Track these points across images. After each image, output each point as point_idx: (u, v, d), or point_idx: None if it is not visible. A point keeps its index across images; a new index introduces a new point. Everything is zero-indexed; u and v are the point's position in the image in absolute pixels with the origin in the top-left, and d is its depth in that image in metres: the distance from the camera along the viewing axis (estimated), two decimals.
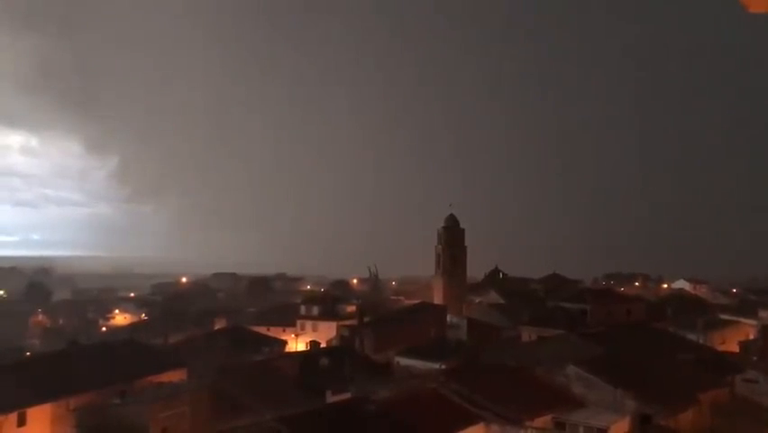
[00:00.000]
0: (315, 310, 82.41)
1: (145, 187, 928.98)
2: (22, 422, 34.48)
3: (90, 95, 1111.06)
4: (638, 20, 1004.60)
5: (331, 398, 38.71)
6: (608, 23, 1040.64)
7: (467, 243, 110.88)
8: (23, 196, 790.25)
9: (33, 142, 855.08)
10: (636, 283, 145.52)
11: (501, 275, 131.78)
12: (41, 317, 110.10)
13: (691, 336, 60.78)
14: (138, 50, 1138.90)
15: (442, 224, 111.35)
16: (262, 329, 74.66)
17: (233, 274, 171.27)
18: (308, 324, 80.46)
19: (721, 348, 59.68)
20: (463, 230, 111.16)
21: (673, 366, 42.72)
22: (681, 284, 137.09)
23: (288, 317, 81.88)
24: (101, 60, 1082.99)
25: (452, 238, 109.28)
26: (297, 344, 76.02)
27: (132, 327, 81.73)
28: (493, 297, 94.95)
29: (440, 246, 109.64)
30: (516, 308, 77.95)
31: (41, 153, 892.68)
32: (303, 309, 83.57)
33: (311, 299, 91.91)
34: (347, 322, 75.67)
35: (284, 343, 71.18)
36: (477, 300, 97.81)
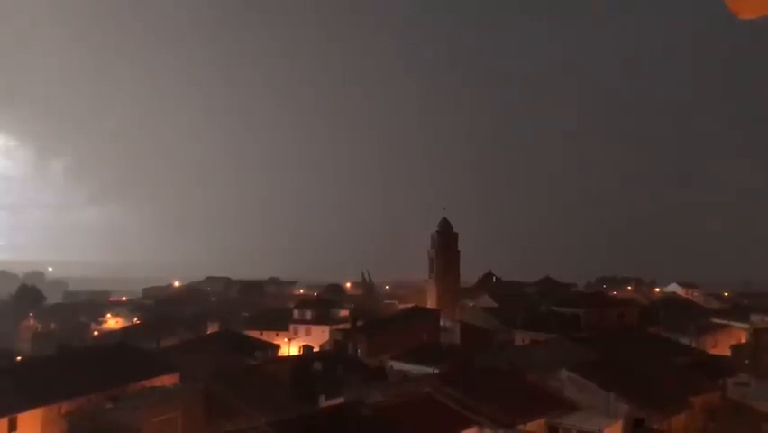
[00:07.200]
0: (309, 315, 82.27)
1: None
2: (12, 427, 34.20)
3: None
4: (631, 26, 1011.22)
5: (324, 402, 38.65)
6: (603, 29, 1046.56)
7: (460, 247, 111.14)
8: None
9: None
10: (629, 287, 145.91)
11: (494, 279, 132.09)
12: (32, 321, 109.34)
13: (684, 340, 61.10)
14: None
15: (435, 228, 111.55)
16: (255, 333, 74.42)
17: (226, 278, 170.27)
18: (301, 328, 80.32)
19: (713, 352, 59.97)
20: (457, 234, 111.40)
21: (666, 370, 42.85)
22: (673, 288, 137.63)
23: (282, 322, 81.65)
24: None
25: (446, 242, 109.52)
26: (290, 348, 75.77)
27: (124, 332, 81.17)
28: (486, 301, 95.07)
29: (433, 250, 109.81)
30: (510, 311, 78.05)
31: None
32: (296, 314, 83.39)
33: (304, 303, 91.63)
34: (340, 326, 75.62)
35: (277, 347, 70.97)
36: (470, 304, 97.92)
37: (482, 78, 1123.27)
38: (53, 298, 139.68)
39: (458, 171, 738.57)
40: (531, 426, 33.60)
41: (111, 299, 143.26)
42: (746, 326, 72.91)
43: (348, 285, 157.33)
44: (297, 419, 30.30)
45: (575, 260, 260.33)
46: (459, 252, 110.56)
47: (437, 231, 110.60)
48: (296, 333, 79.47)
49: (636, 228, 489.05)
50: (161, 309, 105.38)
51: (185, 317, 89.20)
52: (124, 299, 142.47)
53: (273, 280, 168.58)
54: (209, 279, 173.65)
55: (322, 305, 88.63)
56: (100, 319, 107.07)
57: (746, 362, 53.37)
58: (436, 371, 46.02)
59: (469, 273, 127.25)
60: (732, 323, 75.20)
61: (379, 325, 74.79)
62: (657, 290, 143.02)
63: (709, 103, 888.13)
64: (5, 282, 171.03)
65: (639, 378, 39.20)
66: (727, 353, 59.32)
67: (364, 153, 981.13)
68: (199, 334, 76.18)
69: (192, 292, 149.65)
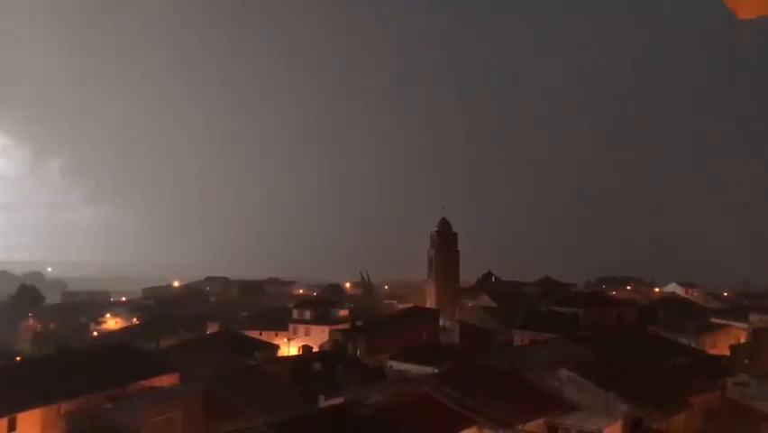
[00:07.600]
0: (308, 315, 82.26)
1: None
2: (12, 427, 34.24)
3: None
4: (632, 26, 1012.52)
5: (324, 402, 38.62)
6: (604, 29, 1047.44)
7: (459, 247, 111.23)
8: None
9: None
10: (629, 287, 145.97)
11: (494, 279, 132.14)
12: (31, 321, 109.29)
13: (683, 340, 61.16)
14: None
15: (435, 228, 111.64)
16: (255, 334, 74.44)
17: (226, 278, 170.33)
18: (301, 328, 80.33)
19: (712, 352, 60.03)
20: (456, 234, 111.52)
21: (665, 370, 42.91)
22: (672, 288, 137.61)
23: (281, 322, 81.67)
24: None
25: (445, 242, 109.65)
26: (289, 348, 75.85)
27: (124, 332, 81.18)
28: (486, 300, 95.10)
29: (433, 250, 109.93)
30: (509, 311, 78.13)
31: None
32: (295, 314, 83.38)
33: (304, 303, 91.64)
34: (340, 326, 75.60)
35: (277, 347, 71.04)
36: (470, 304, 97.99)
37: (482, 78, 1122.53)
38: (52, 298, 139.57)
39: (458, 171, 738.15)
40: (530, 426, 33.64)
41: (110, 300, 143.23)
42: (746, 325, 73.03)
43: (347, 285, 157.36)
44: (297, 419, 30.31)
45: (575, 260, 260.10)
46: (458, 251, 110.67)
47: (437, 231, 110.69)
48: (295, 333, 79.50)
49: (636, 228, 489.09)
50: (161, 310, 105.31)
51: (184, 318, 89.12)
52: (124, 299, 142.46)
53: (272, 281, 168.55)
54: (208, 279, 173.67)
55: (321, 305, 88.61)
56: (99, 319, 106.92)
57: (746, 362, 53.39)
58: (436, 371, 46.04)
59: (468, 273, 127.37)
60: (731, 323, 75.25)
61: (379, 325, 74.84)
62: (657, 289, 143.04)
63: (709, 103, 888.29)
64: (5, 282, 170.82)
65: (638, 378, 39.24)
66: (727, 352, 59.38)
67: (363, 153, 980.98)
68: (199, 334, 76.16)
69: (192, 292, 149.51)
